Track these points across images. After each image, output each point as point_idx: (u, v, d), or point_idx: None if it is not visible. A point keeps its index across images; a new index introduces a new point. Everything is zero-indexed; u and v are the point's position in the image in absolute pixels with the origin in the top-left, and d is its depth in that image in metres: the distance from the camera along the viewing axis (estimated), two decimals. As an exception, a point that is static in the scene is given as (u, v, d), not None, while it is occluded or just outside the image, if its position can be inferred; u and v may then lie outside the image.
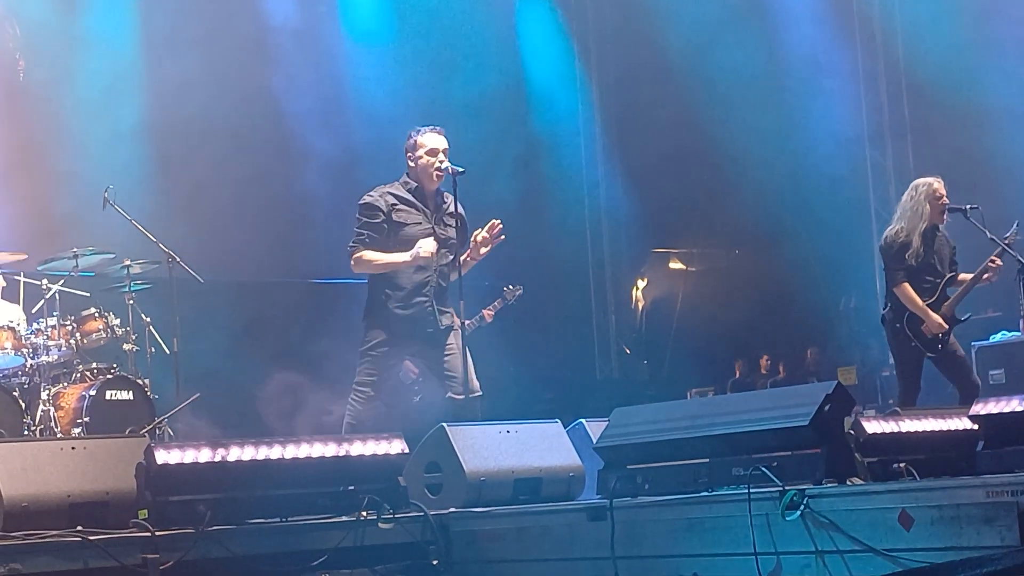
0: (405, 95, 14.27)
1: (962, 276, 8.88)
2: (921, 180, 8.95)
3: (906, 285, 8.71)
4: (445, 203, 7.54)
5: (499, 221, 7.46)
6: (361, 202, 7.52)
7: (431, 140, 7.49)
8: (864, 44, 15.93)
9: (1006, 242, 8.72)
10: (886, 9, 15.81)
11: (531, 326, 14.62)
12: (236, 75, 12.68)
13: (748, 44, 15.38)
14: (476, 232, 7.46)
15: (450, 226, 7.47)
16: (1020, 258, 8.79)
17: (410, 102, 14.06)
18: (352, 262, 7.51)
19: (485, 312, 11.65)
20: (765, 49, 15.47)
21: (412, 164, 7.51)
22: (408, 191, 7.50)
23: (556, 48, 16.74)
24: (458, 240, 7.50)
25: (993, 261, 8.67)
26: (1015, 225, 8.93)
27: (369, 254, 7.43)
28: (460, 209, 7.52)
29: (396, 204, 7.45)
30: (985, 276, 8.72)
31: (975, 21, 14.05)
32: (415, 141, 7.51)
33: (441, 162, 7.42)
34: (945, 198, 8.80)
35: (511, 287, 12.03)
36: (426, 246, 7.31)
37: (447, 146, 7.50)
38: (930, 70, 14.65)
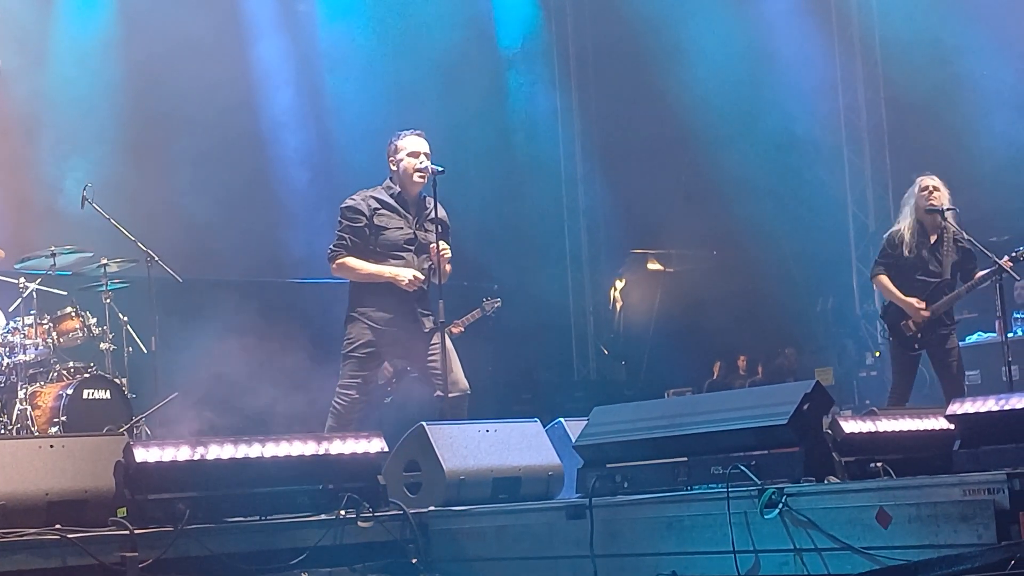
0: (383, 95, 14.28)
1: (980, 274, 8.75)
2: (921, 176, 8.90)
3: (882, 277, 8.71)
4: (427, 208, 7.56)
5: (447, 248, 7.43)
6: (343, 205, 7.53)
7: (412, 143, 7.53)
8: (842, 47, 16.00)
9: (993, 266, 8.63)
10: (865, 12, 15.89)
11: (509, 326, 14.62)
12: (216, 73, 12.66)
13: (729, 47, 15.44)
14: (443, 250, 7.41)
15: (431, 231, 7.49)
16: (998, 260, 8.75)
17: (388, 102, 14.08)
18: (333, 266, 7.51)
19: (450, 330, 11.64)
20: (745, 52, 15.53)
21: (394, 168, 7.55)
22: (391, 196, 7.52)
23: (536, 47, 16.76)
24: (438, 241, 7.51)
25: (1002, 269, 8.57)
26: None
27: (351, 261, 7.43)
28: (442, 213, 7.53)
29: (378, 208, 7.47)
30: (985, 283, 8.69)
31: (954, 24, 14.12)
32: (395, 145, 7.56)
33: (422, 163, 7.45)
34: (932, 192, 8.70)
35: (489, 299, 12.04)
36: (405, 276, 7.30)
37: (428, 149, 7.53)
38: (908, 73, 14.73)
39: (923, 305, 8.60)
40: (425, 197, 7.60)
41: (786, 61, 15.51)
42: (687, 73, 15.36)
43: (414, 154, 7.49)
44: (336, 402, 7.40)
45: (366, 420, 7.51)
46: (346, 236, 7.45)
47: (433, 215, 7.50)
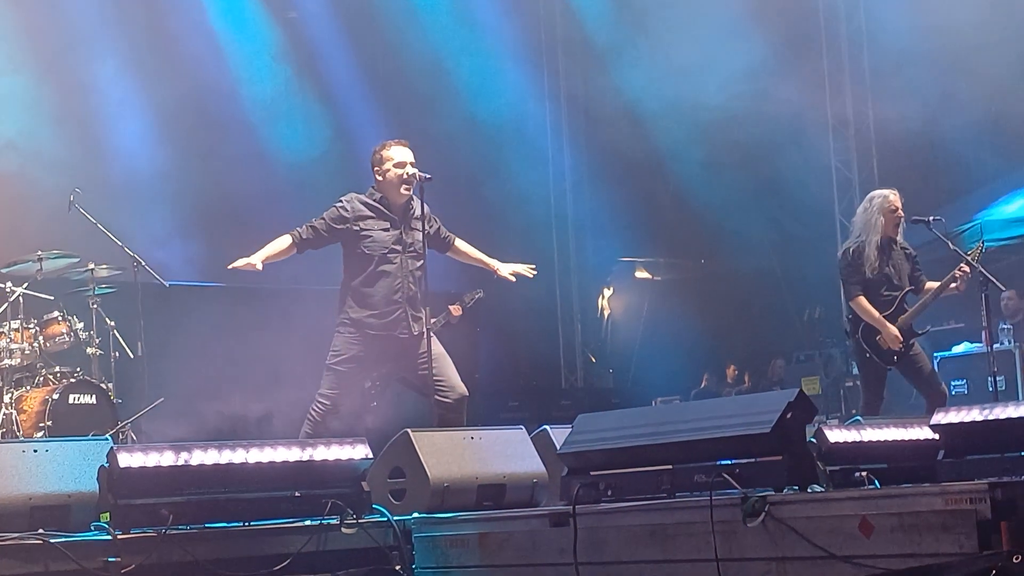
0: (367, 104, 14.29)
1: (929, 284, 8.92)
2: (876, 192, 9.02)
3: (861, 298, 8.76)
4: (412, 209, 7.57)
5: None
6: (336, 202, 7.55)
7: (398, 153, 7.53)
8: (831, 57, 16.04)
9: (970, 256, 8.77)
10: (853, 23, 15.92)
11: (497, 334, 14.63)
12: (198, 81, 12.65)
13: (716, 57, 15.44)
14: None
15: (416, 230, 7.50)
16: (984, 271, 8.84)
17: (373, 110, 14.08)
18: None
19: (450, 311, 11.65)
20: (733, 62, 15.54)
21: (380, 178, 7.55)
22: (376, 201, 7.53)
23: (524, 56, 16.77)
24: (425, 243, 7.53)
25: (960, 269, 8.72)
26: (980, 242, 9.00)
27: (285, 242, 7.60)
28: (427, 210, 7.53)
29: (364, 212, 7.48)
30: (952, 285, 8.77)
31: (941, 35, 14.16)
32: (381, 155, 7.55)
33: (410, 172, 7.45)
34: (900, 210, 8.84)
35: (471, 292, 12.05)
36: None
37: (413, 159, 7.53)
38: (895, 84, 14.76)
39: (898, 332, 8.68)
40: (411, 199, 7.60)
41: (773, 72, 15.52)
42: (674, 83, 15.38)
43: (400, 164, 7.50)
44: (313, 410, 7.41)
45: (351, 426, 7.52)
46: (315, 224, 7.47)
47: (418, 214, 7.51)
